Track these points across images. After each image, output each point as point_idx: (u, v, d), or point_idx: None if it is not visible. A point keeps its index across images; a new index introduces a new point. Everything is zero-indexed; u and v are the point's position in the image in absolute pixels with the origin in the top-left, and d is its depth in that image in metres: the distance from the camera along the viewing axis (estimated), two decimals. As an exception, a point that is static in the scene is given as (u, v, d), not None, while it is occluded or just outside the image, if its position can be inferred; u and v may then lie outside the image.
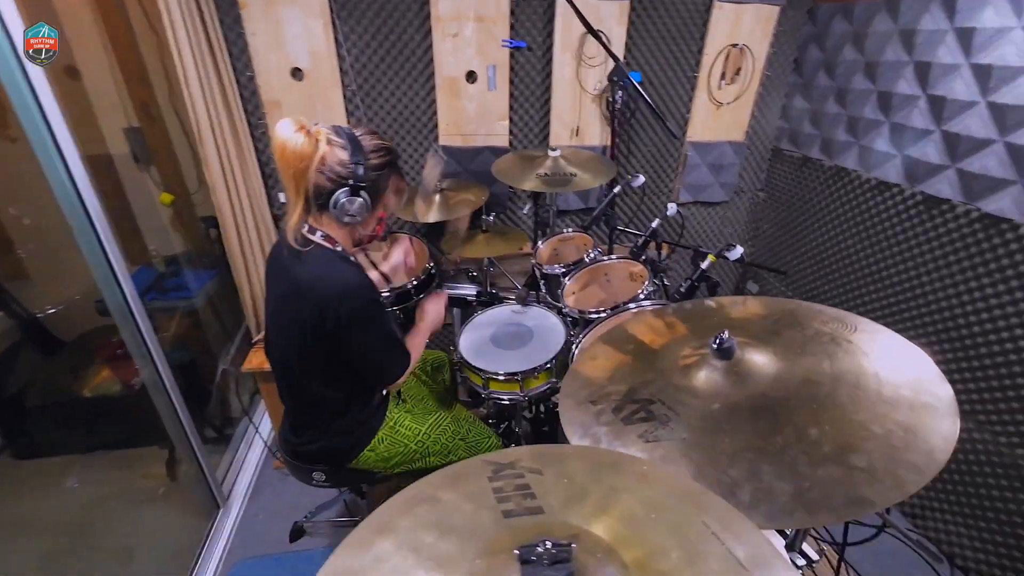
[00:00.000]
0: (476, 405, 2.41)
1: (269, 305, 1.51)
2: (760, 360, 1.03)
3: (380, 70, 2.61)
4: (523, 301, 2.23)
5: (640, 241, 1.79)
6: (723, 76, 2.76)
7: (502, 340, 2.09)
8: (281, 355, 1.50)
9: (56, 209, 1.58)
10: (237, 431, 2.77)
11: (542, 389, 1.94)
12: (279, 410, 2.41)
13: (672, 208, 1.79)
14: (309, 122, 1.31)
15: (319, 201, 1.34)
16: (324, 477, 1.67)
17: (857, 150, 2.51)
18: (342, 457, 1.61)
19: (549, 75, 2.67)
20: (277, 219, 2.85)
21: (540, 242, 2.29)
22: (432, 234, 2.77)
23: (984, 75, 1.95)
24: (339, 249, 1.40)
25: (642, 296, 1.72)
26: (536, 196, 2.48)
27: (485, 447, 1.75)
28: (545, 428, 2.36)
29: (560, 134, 2.77)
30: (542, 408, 2.38)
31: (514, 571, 0.59)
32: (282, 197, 2.80)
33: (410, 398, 1.81)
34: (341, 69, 2.58)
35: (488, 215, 2.42)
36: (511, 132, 2.77)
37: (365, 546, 0.66)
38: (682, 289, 1.48)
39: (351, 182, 1.32)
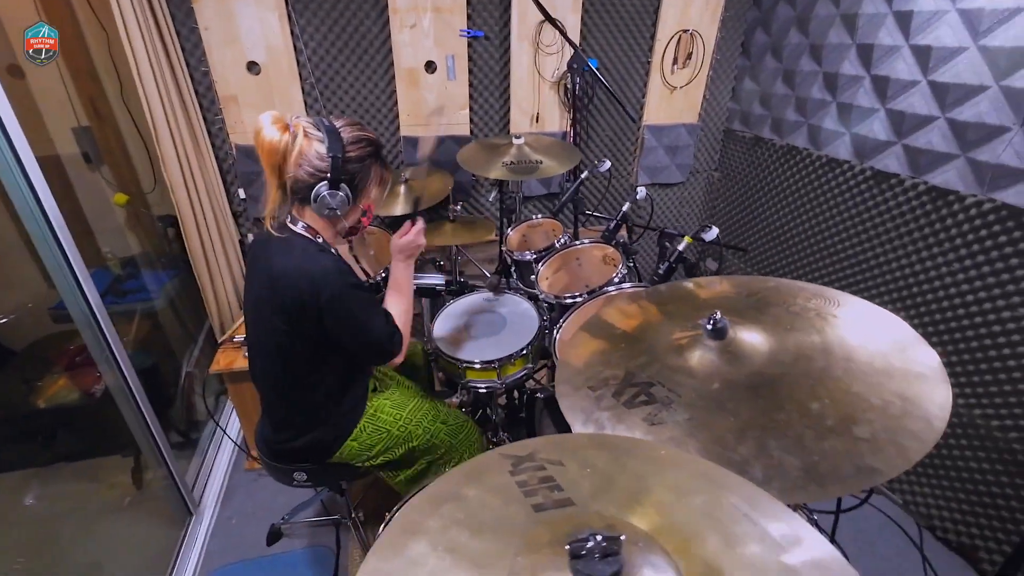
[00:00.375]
0: (450, 394, 2.36)
1: (249, 297, 1.45)
2: (752, 338, 1.03)
3: (339, 62, 2.51)
4: (495, 289, 2.20)
5: (612, 225, 1.79)
6: (675, 61, 2.78)
7: (476, 328, 2.05)
8: (262, 347, 1.45)
9: (1, 215, 1.45)
10: (203, 435, 2.65)
11: (519, 376, 1.93)
12: (248, 410, 2.35)
13: (642, 192, 1.79)
14: (289, 116, 1.29)
15: (299, 195, 1.33)
16: (306, 476, 1.61)
17: (807, 129, 2.57)
18: (325, 451, 1.56)
19: (507, 63, 2.63)
20: (237, 216, 2.73)
21: (509, 229, 2.25)
22: (397, 226, 2.71)
23: (924, 55, 2.02)
24: (319, 240, 1.38)
25: (617, 279, 1.71)
26: (501, 184, 2.44)
27: (464, 432, 1.73)
28: (522, 415, 2.35)
29: (520, 122, 2.74)
30: (515, 394, 2.36)
31: (562, 566, 0.56)
32: (241, 193, 2.67)
33: (386, 387, 1.77)
34: (299, 62, 2.47)
35: (456, 204, 2.36)
36: (472, 121, 2.71)
37: (397, 549, 0.63)
38: (660, 271, 1.48)
39: (330, 175, 1.29)
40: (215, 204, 2.56)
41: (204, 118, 2.47)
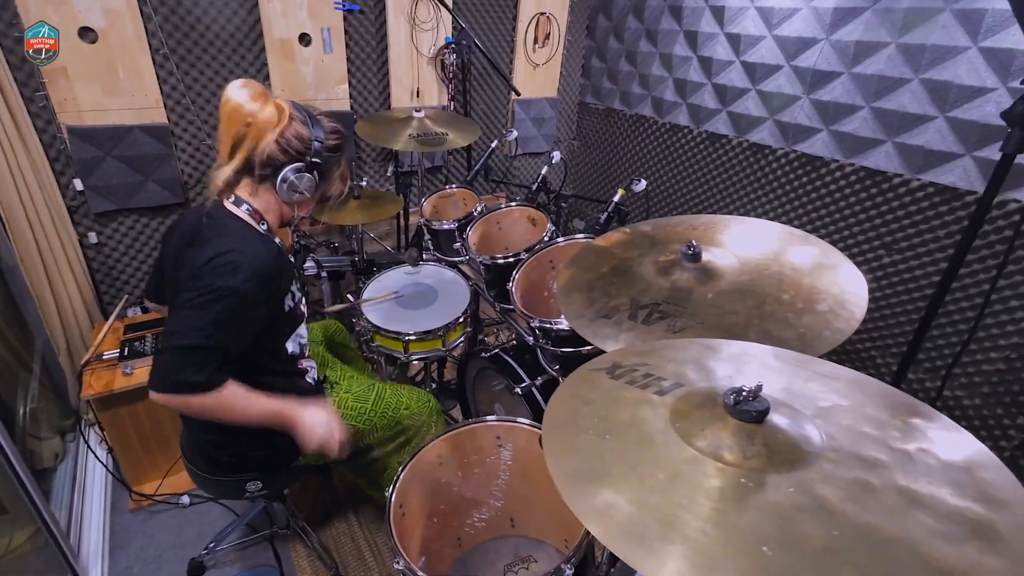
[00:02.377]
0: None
1: (178, 293, 1.28)
2: (717, 256, 1.32)
3: (197, 31, 2.26)
4: (415, 262, 2.26)
5: (535, 187, 1.98)
6: (535, 40, 3.04)
7: (407, 302, 2.11)
8: None
9: None
10: (56, 484, 2.14)
11: (461, 340, 2.05)
12: (127, 439, 2.06)
13: (556, 156, 2.01)
14: (269, 91, 1.24)
15: (264, 171, 1.26)
16: (260, 485, 1.50)
17: (651, 100, 3.03)
18: (288, 455, 1.48)
19: (385, 37, 2.62)
20: (72, 211, 2.33)
21: (423, 200, 2.31)
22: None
23: (735, 41, 2.54)
24: (263, 228, 1.32)
25: (547, 238, 1.92)
26: (396, 157, 2.47)
27: (427, 409, 1.72)
28: (452, 384, 2.43)
29: (401, 96, 2.75)
30: (435, 366, 2.45)
31: (720, 416, 0.76)
32: (78, 184, 2.28)
33: (341, 379, 1.68)
34: (148, 30, 2.17)
35: (360, 180, 2.34)
36: (351, 96, 2.66)
37: (568, 443, 0.77)
38: (601, 220, 1.71)
39: (307, 158, 1.27)
40: (48, 198, 2.16)
41: (22, 94, 2.05)
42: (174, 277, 1.31)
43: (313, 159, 1.28)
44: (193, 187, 2.51)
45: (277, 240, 1.34)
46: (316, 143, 1.27)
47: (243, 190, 1.30)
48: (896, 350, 2.17)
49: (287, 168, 1.26)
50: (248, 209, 1.30)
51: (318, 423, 1.34)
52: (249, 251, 1.21)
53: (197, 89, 2.35)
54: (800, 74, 2.32)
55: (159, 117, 2.31)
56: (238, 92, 1.20)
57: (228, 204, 1.30)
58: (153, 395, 1.16)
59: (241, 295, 1.17)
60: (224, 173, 1.26)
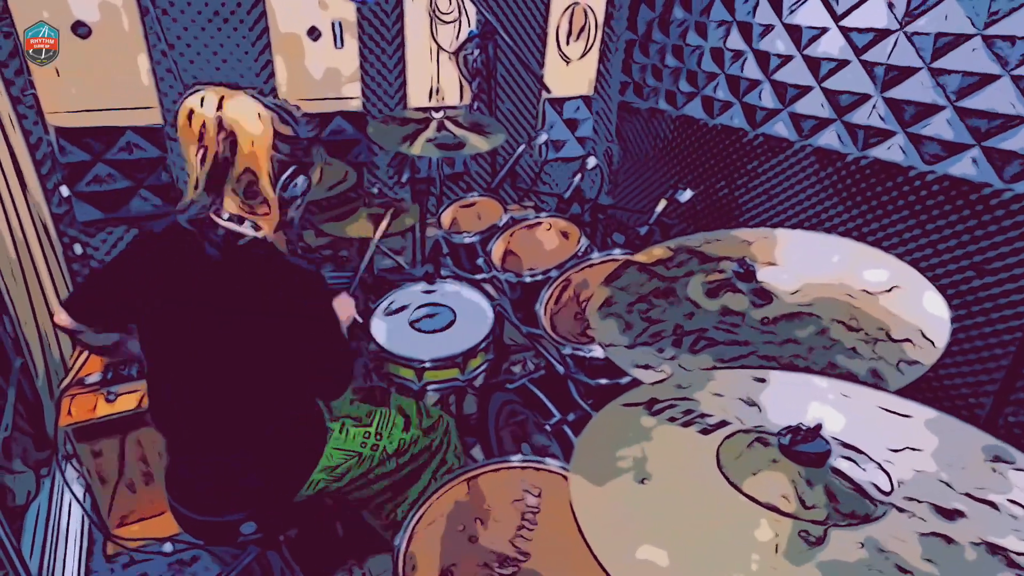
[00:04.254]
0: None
1: (180, 320, 1.37)
2: (773, 276, 1.32)
3: (197, 26, 2.37)
4: (432, 279, 2.29)
5: (567, 196, 2.00)
6: (569, 33, 3.10)
7: (423, 325, 2.13)
8: (208, 374, 1.39)
9: None
10: (27, 522, 2.18)
11: (482, 368, 2.06)
12: (108, 474, 2.08)
13: (592, 161, 2.04)
14: (228, 91, 1.26)
15: (271, 185, 1.30)
16: (255, 528, 1.51)
17: (700, 100, 3.05)
18: (292, 484, 1.51)
19: (402, 31, 2.71)
20: (58, 220, 2.43)
21: (442, 210, 2.35)
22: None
23: (796, 33, 2.56)
24: (268, 239, 1.36)
25: (580, 253, 1.93)
26: (411, 163, 2.53)
27: (440, 431, 1.77)
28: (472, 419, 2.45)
29: (418, 96, 2.83)
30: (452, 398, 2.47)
31: (774, 455, 0.76)
32: (64, 191, 2.39)
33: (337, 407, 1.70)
34: (145, 25, 2.28)
35: (372, 186, 2.40)
36: (364, 95, 2.74)
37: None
38: (642, 233, 1.73)
39: (300, 161, 1.33)
40: (32, 207, 2.26)
41: (9, 93, 2.17)
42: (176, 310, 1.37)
43: (302, 158, 1.33)
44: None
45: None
46: (302, 139, 1.32)
47: (231, 205, 1.33)
48: (990, 387, 2.12)
49: (285, 174, 1.30)
50: (251, 224, 1.34)
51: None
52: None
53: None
54: (871, 70, 2.32)
55: (154, 118, 2.41)
56: (239, 109, 1.24)
57: (224, 223, 1.32)
58: None
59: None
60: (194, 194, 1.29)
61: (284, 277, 1.35)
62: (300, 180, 1.34)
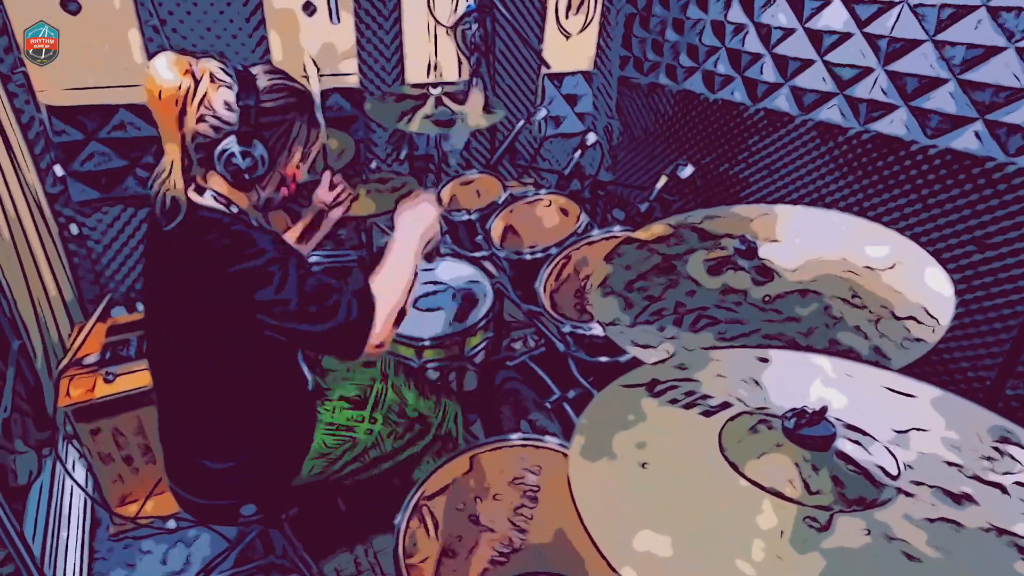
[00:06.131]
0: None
1: (157, 297, 1.38)
2: (775, 253, 1.29)
3: (190, 1, 2.32)
4: (430, 257, 2.27)
5: (567, 173, 1.97)
6: (569, 7, 3.04)
7: (421, 302, 2.11)
8: (183, 355, 1.37)
9: None
10: (30, 503, 2.13)
11: (482, 346, 2.05)
12: (108, 454, 2.08)
13: (592, 137, 2.00)
14: (193, 59, 1.22)
15: (200, 154, 1.24)
16: (255, 509, 1.50)
17: (701, 74, 2.99)
18: (287, 472, 1.49)
19: (398, 5, 2.65)
20: (52, 200, 2.40)
21: (441, 187, 2.31)
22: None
23: (798, 6, 2.48)
24: (234, 210, 1.31)
25: (580, 231, 1.90)
26: (410, 140, 2.49)
27: (440, 409, 1.74)
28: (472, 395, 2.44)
29: (416, 71, 2.78)
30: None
31: (779, 439, 0.74)
32: (58, 170, 2.35)
33: (334, 382, 1.69)
34: (136, 0, 2.22)
35: (370, 161, 2.36)
36: (361, 71, 2.69)
37: (627, 468, 0.75)
38: (642, 210, 1.70)
39: (239, 128, 1.22)
40: (24, 184, 2.23)
41: (-3, 70, 2.13)
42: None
43: (250, 127, 1.23)
44: (184, 174, 2.55)
45: (254, 220, 1.35)
46: (248, 107, 1.22)
47: (200, 178, 1.29)
48: (990, 362, 2.10)
49: (223, 143, 1.22)
50: (213, 194, 1.29)
51: (420, 214, 1.47)
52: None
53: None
54: (874, 42, 2.26)
55: (148, 96, 2.36)
56: (154, 67, 1.17)
57: (192, 194, 1.29)
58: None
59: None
60: (172, 174, 1.23)
61: (222, 240, 1.25)
62: (252, 153, 1.24)
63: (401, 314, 1.38)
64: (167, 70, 1.16)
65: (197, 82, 1.19)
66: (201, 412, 1.41)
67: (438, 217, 1.50)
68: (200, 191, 1.29)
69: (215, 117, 1.21)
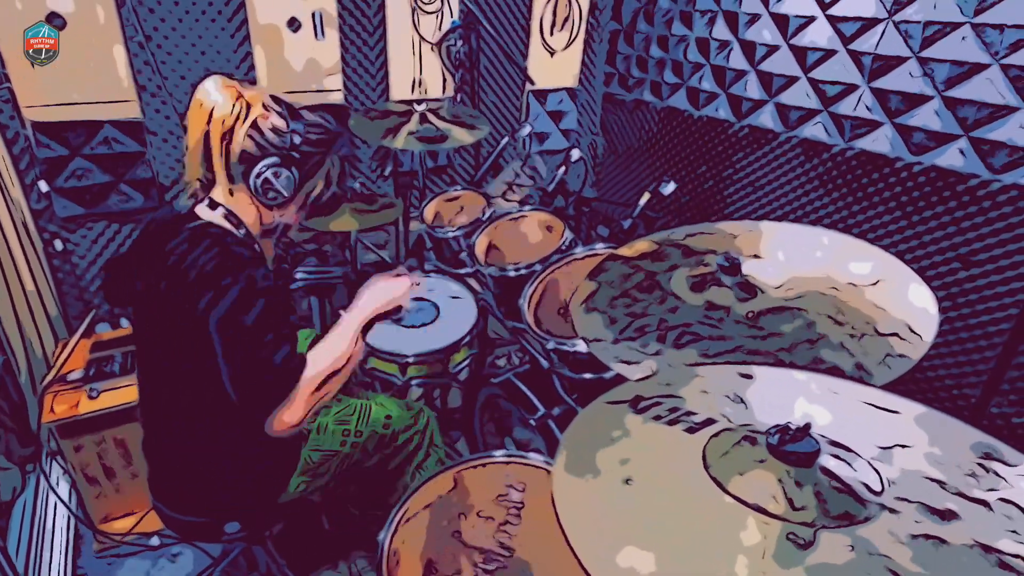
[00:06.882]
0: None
1: (145, 313, 1.39)
2: (759, 269, 1.29)
3: (175, 17, 2.31)
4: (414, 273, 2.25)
5: (551, 189, 1.97)
6: (553, 23, 3.06)
7: (406, 319, 2.10)
8: (170, 371, 1.37)
9: None
10: (13, 520, 2.10)
11: (466, 363, 2.04)
12: (93, 471, 2.05)
13: (576, 154, 2.00)
14: (240, 86, 1.29)
15: (240, 168, 1.29)
16: (239, 527, 1.48)
17: (685, 91, 3.02)
18: (273, 489, 1.48)
19: (383, 21, 2.66)
20: (38, 215, 2.38)
21: (425, 204, 2.31)
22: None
23: (782, 23, 2.53)
24: (241, 233, 1.34)
25: (564, 247, 1.90)
26: (394, 157, 2.49)
27: (418, 424, 1.72)
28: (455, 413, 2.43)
29: (401, 88, 2.79)
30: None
31: (762, 455, 0.73)
32: (43, 186, 2.33)
33: None
34: (121, 16, 2.22)
35: (354, 180, 2.36)
36: (345, 88, 2.69)
37: (613, 492, 0.74)
38: (625, 227, 1.70)
39: (285, 152, 1.30)
40: (11, 202, 2.21)
41: (-18, 87, 2.12)
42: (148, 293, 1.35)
43: (291, 153, 1.31)
44: (169, 189, 2.55)
45: (256, 246, 1.37)
46: (295, 136, 1.31)
47: (218, 193, 1.33)
48: (975, 379, 2.11)
49: (261, 163, 1.29)
50: (224, 212, 1.33)
51: (385, 289, 1.48)
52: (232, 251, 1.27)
53: (175, 80, 2.40)
54: (858, 60, 2.30)
55: (133, 112, 2.36)
56: (206, 88, 1.25)
57: (202, 209, 1.33)
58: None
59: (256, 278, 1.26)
60: (194, 174, 1.31)
61: (222, 257, 1.26)
62: (284, 175, 1.31)
63: (326, 393, 1.34)
64: (218, 92, 1.25)
65: (249, 107, 1.26)
66: (187, 429, 1.40)
67: (407, 294, 1.52)
68: (213, 206, 1.33)
69: (263, 139, 1.28)
